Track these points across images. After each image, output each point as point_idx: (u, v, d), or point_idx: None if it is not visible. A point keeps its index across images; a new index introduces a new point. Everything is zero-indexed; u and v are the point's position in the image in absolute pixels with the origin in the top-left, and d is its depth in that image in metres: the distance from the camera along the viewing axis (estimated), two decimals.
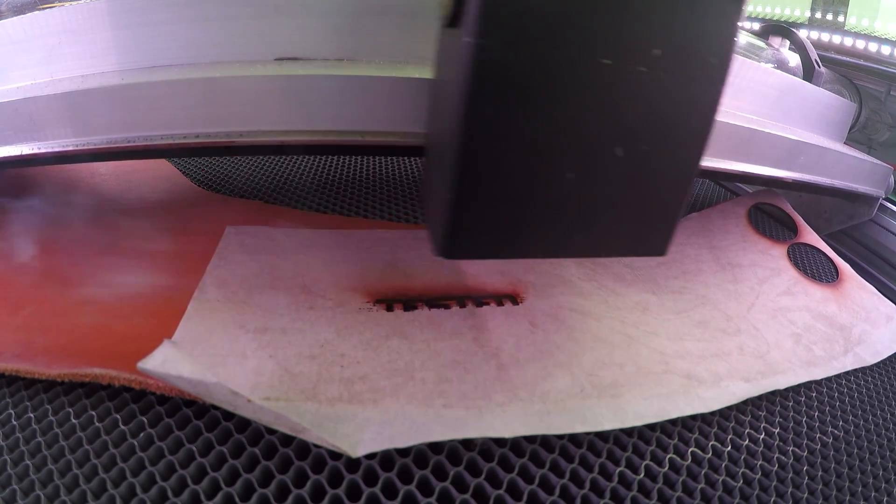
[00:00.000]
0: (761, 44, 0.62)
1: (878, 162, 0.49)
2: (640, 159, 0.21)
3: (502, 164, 0.19)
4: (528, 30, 0.17)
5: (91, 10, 0.28)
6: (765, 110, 0.41)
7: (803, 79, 0.52)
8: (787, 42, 0.60)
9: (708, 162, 0.35)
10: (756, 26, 0.71)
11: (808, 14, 0.79)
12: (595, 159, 0.20)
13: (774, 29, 0.62)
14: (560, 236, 0.22)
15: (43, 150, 0.28)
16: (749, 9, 0.88)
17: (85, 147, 0.27)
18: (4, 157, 0.28)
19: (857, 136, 0.73)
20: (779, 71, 0.44)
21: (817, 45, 0.74)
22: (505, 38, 0.17)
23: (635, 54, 0.18)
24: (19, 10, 0.33)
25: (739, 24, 0.20)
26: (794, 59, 0.58)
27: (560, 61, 0.18)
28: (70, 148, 0.27)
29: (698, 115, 0.21)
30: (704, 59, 0.19)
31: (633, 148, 0.20)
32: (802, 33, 0.62)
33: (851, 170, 0.46)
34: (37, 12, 0.29)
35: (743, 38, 0.62)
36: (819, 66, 0.53)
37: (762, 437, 0.28)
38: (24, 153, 0.28)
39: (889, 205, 0.55)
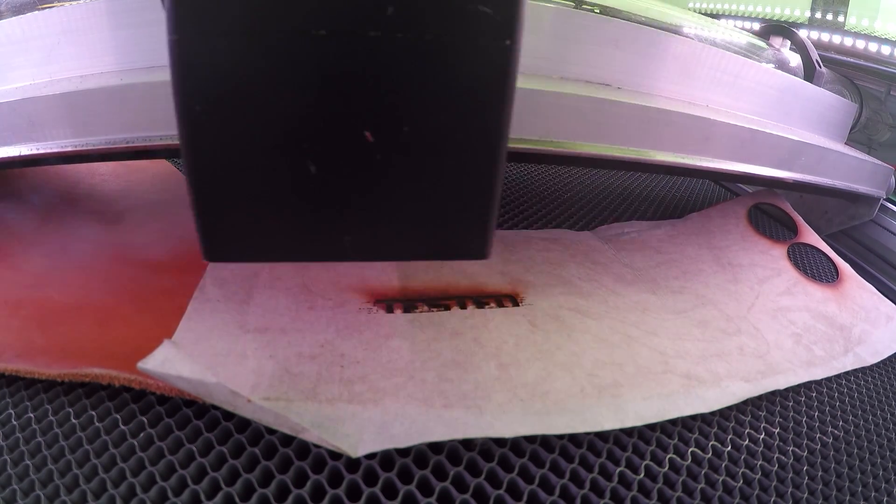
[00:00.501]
0: (762, 44, 0.62)
1: (879, 162, 0.49)
2: (407, 144, 0.17)
3: (233, 162, 0.17)
4: (222, 17, 0.15)
5: (90, 10, 0.27)
6: (766, 111, 0.41)
7: (804, 79, 0.52)
8: (788, 42, 0.60)
9: (709, 163, 0.35)
10: (756, 26, 0.71)
11: (807, 14, 0.79)
12: (337, 148, 0.17)
13: (775, 29, 0.62)
14: (325, 237, 0.19)
15: (42, 151, 0.28)
16: (749, 9, 0.88)
17: (83, 148, 0.27)
18: (3, 158, 0.28)
19: (858, 136, 0.73)
20: (780, 71, 0.44)
21: (817, 45, 0.74)
22: (197, 28, 0.15)
23: (357, 19, 0.15)
24: (18, 11, 0.33)
25: None
26: (794, 60, 0.58)
27: (265, 44, 0.16)
28: (69, 149, 0.27)
29: (483, 82, 0.17)
30: (471, 11, 0.16)
31: (387, 131, 0.17)
32: (802, 33, 0.62)
33: (852, 170, 0.46)
34: (35, 12, 0.29)
35: (744, 39, 0.61)
36: (820, 67, 0.53)
37: (762, 437, 0.28)
38: (22, 154, 0.28)
39: (889, 205, 0.55)
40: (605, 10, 0.48)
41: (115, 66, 0.28)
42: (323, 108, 0.17)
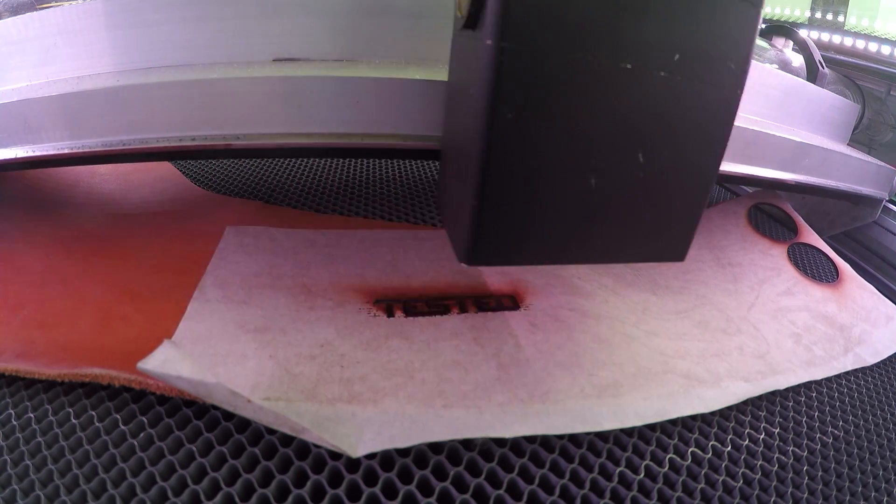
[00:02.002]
0: (765, 44, 0.62)
1: (883, 164, 0.49)
2: (661, 164, 0.20)
3: (525, 170, 0.19)
4: (550, 32, 0.17)
5: (87, 10, 0.27)
6: (768, 112, 0.41)
7: (807, 80, 0.52)
8: (791, 42, 0.60)
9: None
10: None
11: (807, 14, 0.79)
12: (617, 164, 0.20)
13: (778, 29, 0.62)
14: (582, 242, 0.22)
15: (38, 154, 0.27)
16: None
17: (80, 150, 0.27)
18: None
19: (859, 136, 0.73)
20: (782, 72, 0.44)
21: (817, 45, 0.74)
22: (526, 40, 0.17)
23: (655, 58, 0.19)
24: (16, 11, 0.33)
25: (757, 29, 0.20)
26: (797, 60, 0.58)
27: (581, 65, 0.18)
28: (65, 151, 0.27)
29: (716, 120, 0.21)
30: (723, 65, 0.20)
31: (653, 153, 0.20)
32: (802, 33, 0.61)
33: (856, 172, 0.46)
34: (32, 13, 0.28)
35: None
36: (823, 67, 0.53)
37: (762, 437, 0.28)
38: (18, 156, 0.28)
39: (891, 206, 0.55)
40: None
41: (112, 66, 0.28)
42: (614, 127, 0.19)
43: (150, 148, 0.26)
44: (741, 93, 0.20)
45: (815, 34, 0.75)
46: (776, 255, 0.44)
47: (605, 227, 0.21)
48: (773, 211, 0.53)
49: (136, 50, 0.28)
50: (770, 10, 0.84)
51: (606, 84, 0.18)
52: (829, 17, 0.75)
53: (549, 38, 0.17)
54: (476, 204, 0.19)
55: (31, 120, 0.27)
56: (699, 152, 0.21)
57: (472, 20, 0.19)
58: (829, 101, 0.48)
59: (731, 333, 0.33)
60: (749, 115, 0.39)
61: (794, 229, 0.50)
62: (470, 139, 0.19)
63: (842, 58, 0.72)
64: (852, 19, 0.73)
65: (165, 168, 0.49)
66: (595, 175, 0.20)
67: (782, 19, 0.82)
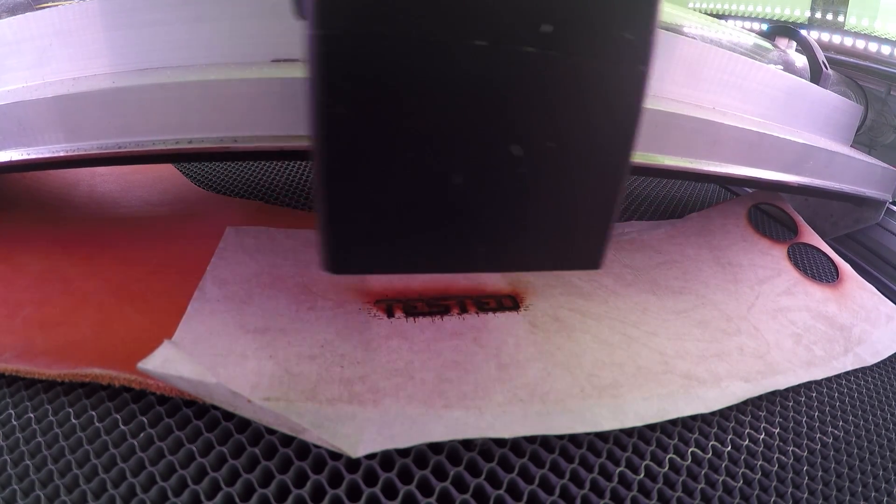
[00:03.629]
0: (768, 45, 0.61)
1: (886, 165, 0.49)
2: (546, 158, 0.17)
3: (373, 169, 0.17)
4: (375, 13, 0.15)
5: (83, 11, 0.27)
6: (772, 113, 0.41)
7: (810, 81, 0.51)
8: (794, 43, 0.60)
9: (717, 167, 0.35)
10: (757, 26, 0.71)
11: (808, 14, 0.79)
12: (486, 160, 0.17)
13: (781, 30, 0.62)
14: (459, 249, 0.19)
15: (32, 157, 0.27)
16: (749, 9, 0.88)
17: (75, 153, 0.26)
18: None
19: (861, 137, 0.73)
20: (786, 73, 0.44)
21: (817, 45, 0.74)
22: (348, 25, 0.14)
23: (518, 32, 0.15)
24: (13, 12, 0.32)
25: None
26: (800, 61, 0.58)
27: (420, 46, 0.15)
28: (60, 154, 0.26)
29: (617, 104, 0.17)
30: (614, 35, 0.16)
31: (533, 145, 0.17)
32: (802, 33, 0.61)
33: (859, 174, 0.46)
34: (27, 14, 0.28)
35: (749, 39, 0.61)
36: (826, 69, 0.53)
37: (762, 437, 0.28)
38: (13, 159, 0.27)
39: (892, 207, 0.54)
40: None
41: (108, 67, 0.27)
42: (474, 117, 0.16)
43: (145, 151, 0.26)
44: (647, 69, 0.17)
45: (815, 34, 0.75)
46: (776, 255, 0.44)
47: (485, 232, 0.19)
48: (773, 211, 0.53)
49: (132, 51, 0.27)
50: (770, 9, 0.84)
51: (458, 66, 0.15)
52: (829, 17, 0.75)
53: (377, 20, 0.15)
54: (327, 208, 0.17)
55: (26, 122, 0.26)
56: (599, 142, 0.18)
57: (297, 7, 0.16)
58: (832, 103, 0.48)
59: (731, 333, 0.33)
60: (753, 117, 0.39)
61: (794, 229, 0.50)
62: (314, 140, 0.17)
63: (842, 58, 0.72)
64: (852, 19, 0.73)
65: (166, 168, 0.49)
66: (460, 173, 0.17)
67: (782, 19, 0.82)
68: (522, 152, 0.17)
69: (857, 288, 0.43)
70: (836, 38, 0.73)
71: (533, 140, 0.17)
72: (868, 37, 0.70)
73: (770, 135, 0.36)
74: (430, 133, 0.16)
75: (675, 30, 0.52)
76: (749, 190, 0.59)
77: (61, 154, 0.27)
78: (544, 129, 0.17)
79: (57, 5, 0.28)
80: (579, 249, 0.20)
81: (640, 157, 0.32)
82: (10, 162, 0.27)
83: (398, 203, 0.17)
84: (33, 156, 0.27)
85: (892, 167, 0.50)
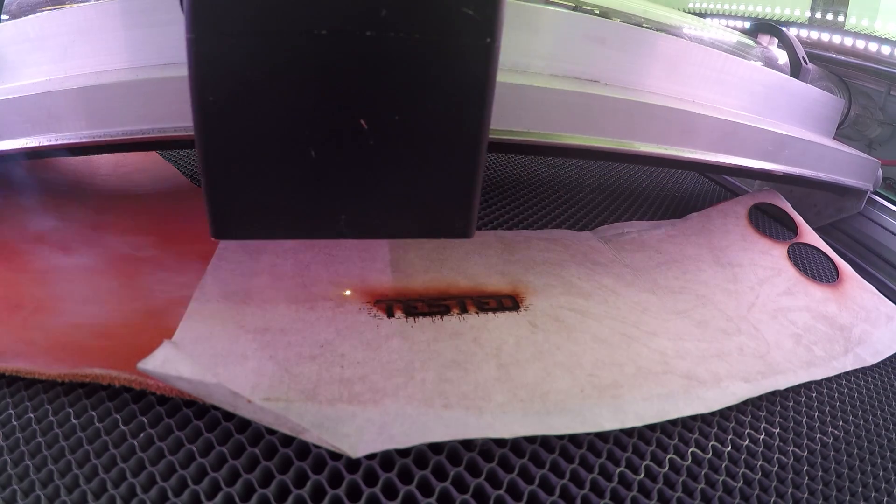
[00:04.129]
0: (750, 42, 0.62)
1: (866, 156, 0.50)
2: (396, 131, 0.19)
3: (242, 148, 0.19)
4: (234, 17, 0.17)
5: (104, 10, 0.28)
6: (752, 106, 0.43)
7: (790, 75, 0.52)
8: (776, 40, 0.61)
9: (692, 154, 0.37)
10: (746, 25, 0.71)
11: (807, 14, 0.79)
12: (337, 134, 0.19)
13: (763, 27, 0.63)
14: (324, 216, 0.21)
15: (60, 142, 0.29)
16: (749, 8, 0.88)
17: (102, 139, 0.28)
18: (23, 149, 0.29)
19: (854, 134, 0.73)
20: (765, 68, 0.45)
21: (817, 44, 0.74)
22: (213, 28, 0.17)
23: (355, 19, 0.17)
24: (31, 10, 0.33)
25: None
26: (782, 57, 0.59)
27: (273, 41, 0.18)
28: (86, 140, 0.28)
29: (467, 76, 0.19)
30: (455, 13, 0.18)
31: (381, 119, 0.19)
32: (802, 33, 0.62)
33: (839, 164, 0.47)
34: (51, 11, 0.30)
35: (732, 37, 0.62)
36: (806, 63, 0.54)
37: (762, 437, 0.28)
38: (42, 144, 0.29)
39: (889, 205, 0.55)
40: (605, 13, 0.49)
41: (128, 63, 0.29)
42: (324, 98, 0.19)
43: (168, 136, 0.28)
44: (495, 43, 0.18)
45: (815, 34, 0.75)
46: (776, 255, 0.44)
47: (344, 200, 0.21)
48: (773, 211, 0.53)
49: (152, 48, 0.29)
50: (770, 9, 0.84)
51: (304, 54, 0.18)
52: (829, 17, 0.75)
53: (234, 23, 0.17)
54: (208, 184, 0.20)
55: (54, 110, 0.28)
56: (450, 114, 0.19)
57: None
58: (812, 96, 0.49)
59: (731, 333, 0.33)
60: (731, 109, 0.41)
61: (794, 229, 0.50)
62: (194, 126, 0.19)
63: (842, 58, 0.72)
64: (852, 19, 0.73)
65: (167, 169, 0.49)
66: (314, 147, 0.19)
67: (782, 19, 0.82)
68: (367, 126, 0.19)
69: (857, 288, 0.43)
70: (836, 38, 0.73)
71: (379, 114, 0.19)
72: (868, 37, 0.70)
73: (745, 124, 0.38)
74: (288, 113, 0.19)
75: (659, 28, 0.53)
76: (745, 188, 0.60)
77: (87, 140, 0.28)
78: (389, 103, 0.19)
79: (76, 4, 0.29)
80: (448, 219, 0.22)
81: (615, 143, 0.34)
82: (40, 146, 0.29)
83: (267, 177, 0.20)
84: (61, 141, 0.29)
85: (871, 157, 0.51)
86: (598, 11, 0.49)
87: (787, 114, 0.46)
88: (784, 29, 0.59)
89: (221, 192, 0.20)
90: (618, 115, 0.33)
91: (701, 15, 0.94)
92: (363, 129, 0.19)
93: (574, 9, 0.49)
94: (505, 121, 0.30)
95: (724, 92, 0.40)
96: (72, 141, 0.28)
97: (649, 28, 0.50)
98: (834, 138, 0.53)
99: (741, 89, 0.41)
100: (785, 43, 0.58)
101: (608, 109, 0.33)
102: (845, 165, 0.48)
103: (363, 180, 0.20)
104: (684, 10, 0.97)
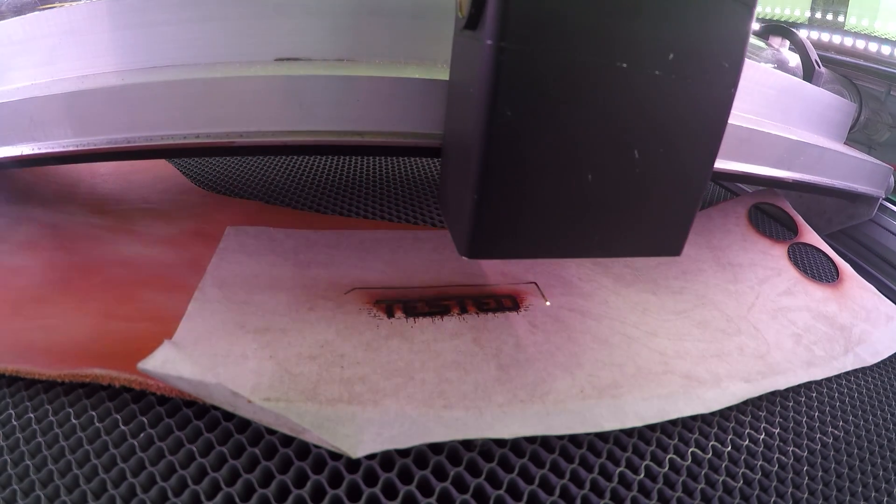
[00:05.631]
0: (761, 44, 0.62)
1: (879, 162, 0.49)
2: (656, 161, 0.21)
3: (523, 166, 0.20)
4: (547, 33, 0.18)
5: (91, 11, 0.27)
6: (764, 110, 0.42)
7: (803, 79, 0.52)
8: (787, 42, 0.60)
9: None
10: (756, 26, 0.71)
11: (807, 14, 0.79)
12: (613, 161, 0.20)
13: (774, 29, 0.62)
14: (580, 236, 0.22)
15: (43, 151, 0.28)
16: None
17: (86, 147, 0.27)
18: (4, 158, 0.28)
19: (858, 136, 0.73)
20: (778, 71, 0.45)
21: (817, 45, 0.74)
22: (524, 41, 0.17)
23: (650, 58, 0.19)
24: (19, 11, 0.33)
25: (750, 29, 0.20)
26: (794, 60, 0.58)
27: (578, 64, 0.18)
28: (70, 148, 0.27)
29: (710, 118, 0.21)
30: (716, 63, 0.20)
31: (649, 150, 0.21)
32: (802, 33, 0.62)
33: (852, 170, 0.46)
34: (36, 13, 0.29)
35: None
36: (819, 67, 0.53)
37: (762, 437, 0.28)
38: (24, 153, 0.28)
39: (889, 205, 0.55)
40: None
41: (115, 66, 0.28)
42: (610, 126, 0.20)
43: (154, 145, 0.27)
44: (734, 91, 0.21)
45: (815, 34, 0.75)
46: (776, 255, 0.44)
47: (602, 222, 0.22)
48: (773, 211, 0.53)
49: (139, 50, 0.28)
50: (770, 10, 0.84)
51: (603, 83, 0.19)
52: (829, 17, 0.75)
53: (546, 39, 0.18)
54: (476, 199, 0.20)
55: (37, 117, 0.27)
56: (694, 149, 0.22)
57: (472, 21, 0.19)
58: (825, 100, 0.48)
59: (731, 334, 0.33)
60: (744, 114, 0.40)
61: (794, 229, 0.50)
62: (470, 136, 0.20)
63: (842, 58, 0.72)
64: (852, 19, 0.73)
65: (166, 168, 0.49)
66: (591, 171, 0.20)
67: (782, 19, 0.82)
68: (639, 156, 0.21)
69: (857, 288, 0.43)
70: (836, 38, 0.73)
71: (649, 145, 0.21)
72: (868, 37, 0.70)
73: (760, 130, 0.37)
74: (573, 136, 0.20)
75: None
76: (748, 189, 0.60)
77: (71, 149, 0.27)
78: (658, 136, 0.21)
79: (62, 5, 0.28)
80: (669, 239, 0.24)
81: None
82: (22, 156, 0.28)
83: (543, 196, 0.20)
84: (44, 150, 0.28)
85: (884, 163, 0.50)
86: None
87: (800, 119, 0.45)
88: (796, 31, 0.59)
89: (492, 210, 0.20)
90: None
91: None
92: (634, 159, 0.21)
93: None
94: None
95: (738, 97, 0.40)
96: (55, 150, 0.28)
97: None
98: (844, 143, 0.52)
99: (754, 93, 0.41)
100: (797, 45, 0.57)
101: None
102: (858, 171, 0.47)
103: (623, 205, 0.22)
104: None
